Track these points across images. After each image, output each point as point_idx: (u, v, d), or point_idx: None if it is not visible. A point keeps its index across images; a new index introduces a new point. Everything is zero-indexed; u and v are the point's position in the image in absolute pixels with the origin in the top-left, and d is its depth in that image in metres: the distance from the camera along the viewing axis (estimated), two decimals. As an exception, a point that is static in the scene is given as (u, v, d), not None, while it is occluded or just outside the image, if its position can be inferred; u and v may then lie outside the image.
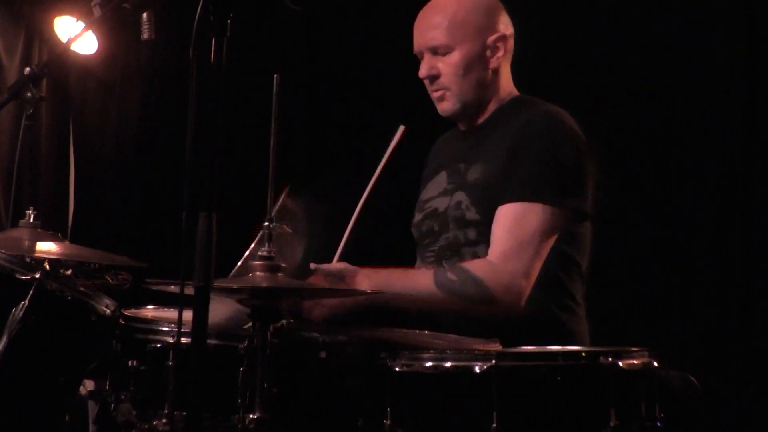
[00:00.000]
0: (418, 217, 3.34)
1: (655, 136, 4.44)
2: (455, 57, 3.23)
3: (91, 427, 3.30)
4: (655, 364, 2.67)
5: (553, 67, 4.48)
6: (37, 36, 5.17)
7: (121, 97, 5.35)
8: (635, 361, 2.63)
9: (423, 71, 3.28)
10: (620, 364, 2.59)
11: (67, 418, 3.04)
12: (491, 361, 2.54)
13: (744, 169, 4.27)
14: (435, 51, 3.26)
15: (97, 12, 3.35)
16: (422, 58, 3.30)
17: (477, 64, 3.25)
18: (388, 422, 2.63)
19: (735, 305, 4.27)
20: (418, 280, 3.06)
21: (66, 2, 4.99)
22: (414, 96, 4.75)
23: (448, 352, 2.69)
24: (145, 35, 3.43)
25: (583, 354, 2.69)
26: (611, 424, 2.55)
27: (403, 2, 4.84)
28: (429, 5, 3.33)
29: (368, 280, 3.00)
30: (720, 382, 4.09)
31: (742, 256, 4.26)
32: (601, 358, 2.60)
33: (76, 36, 3.96)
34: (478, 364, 2.55)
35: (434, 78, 3.27)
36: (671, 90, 4.42)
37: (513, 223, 3.07)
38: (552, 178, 3.10)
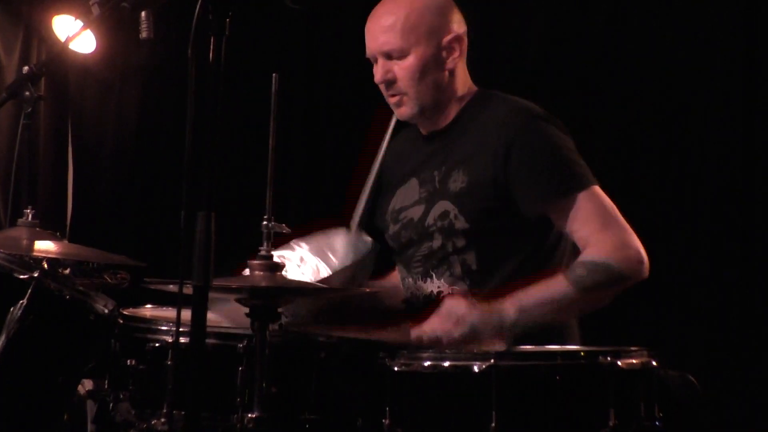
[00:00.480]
0: (393, 228, 3.27)
1: (655, 135, 4.44)
2: (410, 61, 3.14)
3: (89, 427, 3.30)
4: (654, 363, 2.67)
5: (551, 67, 4.48)
6: (36, 35, 5.17)
7: (120, 96, 5.35)
8: (634, 361, 2.63)
9: (378, 76, 3.19)
10: (619, 363, 2.59)
11: (65, 417, 3.05)
12: (490, 360, 2.54)
13: (744, 170, 4.27)
14: (389, 55, 3.17)
15: (95, 11, 3.34)
16: (375, 63, 3.22)
17: (433, 67, 3.16)
18: (387, 422, 2.63)
19: (734, 305, 4.27)
20: (555, 291, 2.96)
21: (64, 1, 4.99)
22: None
23: (446, 351, 2.69)
24: (143, 34, 3.42)
25: (582, 354, 2.69)
26: (610, 423, 2.55)
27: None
28: (379, 7, 3.23)
29: (512, 305, 2.93)
30: (719, 382, 4.09)
31: (742, 255, 4.26)
32: (600, 357, 2.59)
33: (75, 35, 3.95)
34: (477, 363, 2.55)
35: (390, 83, 3.18)
36: (669, 90, 4.42)
37: (592, 209, 3.02)
38: (582, 164, 3.08)
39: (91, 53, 4.93)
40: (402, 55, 3.16)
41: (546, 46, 4.46)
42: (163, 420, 2.77)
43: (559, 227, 3.06)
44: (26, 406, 2.93)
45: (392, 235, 3.28)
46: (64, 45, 4.31)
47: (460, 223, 3.10)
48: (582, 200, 3.02)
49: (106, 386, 2.97)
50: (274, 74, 2.76)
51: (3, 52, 5.08)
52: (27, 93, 3.40)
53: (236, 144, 4.79)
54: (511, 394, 2.54)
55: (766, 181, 4.25)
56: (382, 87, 3.22)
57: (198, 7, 2.31)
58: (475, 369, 2.55)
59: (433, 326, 2.90)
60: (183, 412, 2.49)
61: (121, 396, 2.89)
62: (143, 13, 3.50)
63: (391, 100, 3.21)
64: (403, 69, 3.16)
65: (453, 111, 3.23)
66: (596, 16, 4.54)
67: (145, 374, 2.86)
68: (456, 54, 3.18)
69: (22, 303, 2.89)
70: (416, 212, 3.21)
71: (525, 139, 3.08)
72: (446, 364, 2.61)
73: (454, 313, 2.89)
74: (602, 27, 4.52)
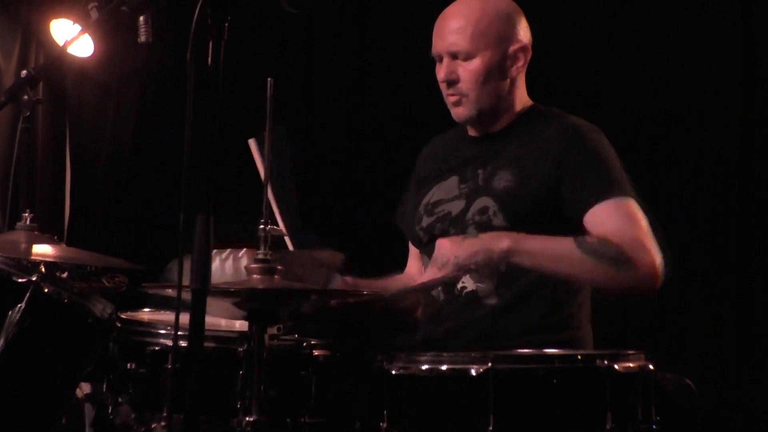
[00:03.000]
0: (427, 220, 3.30)
1: (652, 136, 4.44)
2: (476, 64, 3.20)
3: (87, 430, 3.31)
4: (651, 367, 2.68)
5: (548, 67, 4.48)
6: (34, 39, 5.18)
7: (118, 100, 5.35)
8: (631, 364, 2.64)
9: (442, 75, 3.24)
10: (616, 367, 2.60)
11: (63, 420, 3.04)
12: (487, 363, 2.55)
13: (741, 173, 4.28)
14: (455, 56, 3.22)
15: (94, 15, 3.34)
16: (440, 61, 3.26)
17: (497, 73, 3.22)
18: (385, 425, 2.63)
19: (731, 308, 4.27)
20: (559, 244, 2.98)
21: (62, 5, 5.00)
22: (408, 100, 4.79)
23: (444, 354, 2.70)
24: (142, 38, 3.43)
25: (580, 357, 2.70)
26: (607, 426, 2.55)
27: (397, 6, 4.89)
28: (451, 9, 3.28)
29: (509, 237, 2.97)
30: (715, 385, 4.09)
31: (739, 259, 4.27)
32: (598, 360, 2.60)
33: (73, 39, 3.96)
34: (475, 366, 2.56)
35: (453, 83, 3.23)
36: (667, 90, 4.43)
37: (624, 216, 3.04)
38: (624, 178, 3.12)
39: (89, 57, 4.94)
40: (468, 57, 3.21)
41: (543, 45, 4.46)
42: (162, 423, 2.78)
43: (591, 231, 3.05)
44: (24, 410, 2.93)
45: (425, 227, 3.30)
46: (63, 49, 4.32)
47: (498, 221, 3.13)
48: (615, 206, 3.05)
49: (104, 390, 2.97)
50: (269, 79, 2.76)
51: (1, 55, 5.09)
52: (25, 97, 3.40)
53: (234, 147, 4.79)
54: (509, 398, 2.54)
55: (763, 185, 4.25)
56: (443, 86, 3.26)
57: (197, 11, 2.32)
58: (473, 372, 2.55)
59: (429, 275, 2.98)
60: (182, 416, 2.50)
61: (120, 399, 2.89)
62: (142, 18, 3.51)
63: (450, 99, 3.26)
64: (467, 71, 3.21)
65: (508, 119, 3.29)
66: (593, 16, 4.55)
67: (144, 378, 2.86)
68: (520, 63, 3.25)
69: (20, 306, 2.89)
70: (455, 207, 3.24)
71: (579, 147, 3.13)
72: (444, 367, 2.62)
73: (441, 258, 2.96)
74: (600, 27, 4.53)
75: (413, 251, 3.46)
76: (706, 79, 4.35)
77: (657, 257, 2.99)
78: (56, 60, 4.70)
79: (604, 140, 3.19)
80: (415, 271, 3.43)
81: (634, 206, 3.07)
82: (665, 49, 4.42)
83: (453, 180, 3.29)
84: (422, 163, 3.48)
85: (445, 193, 3.29)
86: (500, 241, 2.97)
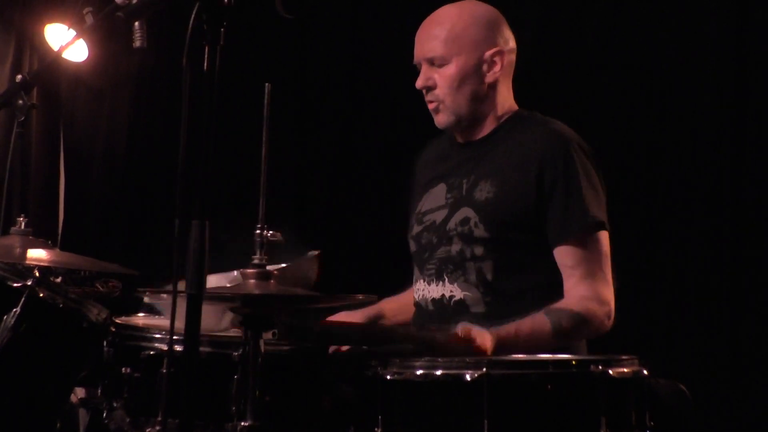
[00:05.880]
0: (417, 229, 3.33)
1: (644, 141, 4.45)
2: (451, 69, 3.22)
3: (81, 435, 3.30)
4: (645, 372, 2.68)
5: (543, 66, 4.49)
6: (28, 43, 5.17)
7: (112, 105, 5.35)
8: (625, 370, 2.65)
9: (419, 82, 3.27)
10: (610, 372, 2.60)
11: (57, 425, 3.04)
12: (482, 369, 2.55)
13: (734, 179, 4.29)
14: (432, 62, 3.24)
15: (89, 20, 3.34)
16: (420, 69, 3.29)
17: (472, 78, 3.23)
18: (379, 430, 2.63)
19: (725, 314, 4.28)
20: (538, 338, 3.03)
21: (57, 10, 5.00)
22: (405, 104, 4.79)
23: (438, 360, 2.70)
24: (137, 43, 3.42)
25: (574, 362, 2.70)
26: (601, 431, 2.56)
27: (393, 12, 4.89)
28: (431, 17, 3.31)
29: (495, 339, 2.96)
30: (709, 391, 4.10)
31: (732, 264, 4.27)
32: (592, 366, 2.61)
33: (68, 44, 3.96)
34: (469, 372, 2.56)
35: (429, 89, 3.25)
36: (660, 93, 4.43)
37: (587, 256, 3.13)
38: (602, 206, 3.18)
39: (84, 62, 4.93)
40: (443, 63, 3.23)
41: (538, 45, 4.47)
42: (157, 428, 2.78)
43: (559, 265, 3.15)
44: (19, 414, 2.93)
45: (414, 236, 3.33)
46: (57, 53, 4.31)
47: (480, 232, 3.15)
48: (581, 243, 3.13)
49: (99, 394, 2.97)
50: (267, 84, 2.77)
51: (-5, 60, 5.09)
52: (20, 101, 3.40)
53: (229, 152, 4.79)
54: (503, 403, 2.55)
55: (755, 190, 4.26)
56: (424, 93, 3.28)
57: (192, 16, 2.32)
58: (468, 378, 2.56)
59: None
60: (177, 420, 2.50)
61: (115, 404, 2.89)
62: (136, 23, 3.51)
63: (430, 107, 3.29)
64: (442, 77, 3.24)
65: (490, 125, 3.30)
66: (590, 15, 4.56)
67: (139, 382, 2.86)
68: (497, 68, 3.25)
69: (15, 311, 2.89)
70: (439, 216, 3.26)
71: (557, 165, 3.15)
72: (438, 372, 2.62)
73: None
74: (596, 26, 4.54)
75: None
76: (699, 77, 4.35)
77: (611, 308, 3.13)
78: (51, 65, 4.69)
79: (582, 155, 3.19)
80: None
81: (599, 244, 3.15)
82: (659, 49, 4.43)
83: (441, 188, 3.31)
84: (419, 169, 3.49)
85: (433, 201, 3.31)
86: (485, 342, 2.93)
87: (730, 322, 4.26)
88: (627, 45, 4.47)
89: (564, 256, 3.14)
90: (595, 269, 3.13)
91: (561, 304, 3.08)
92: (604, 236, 3.17)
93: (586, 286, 3.11)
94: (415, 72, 3.32)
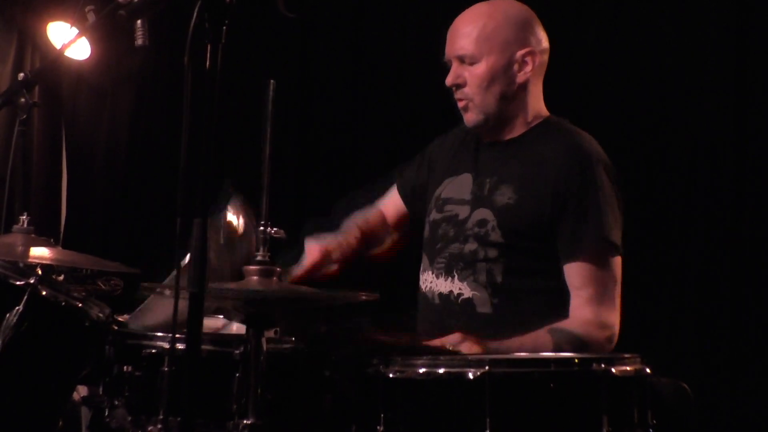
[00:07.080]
0: (435, 215, 3.32)
1: (645, 141, 4.45)
2: (481, 68, 3.21)
3: (83, 433, 3.30)
4: (648, 371, 2.68)
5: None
6: (30, 42, 5.18)
7: (114, 103, 5.36)
8: (628, 368, 2.64)
9: (449, 79, 3.26)
10: (613, 370, 2.60)
11: (60, 423, 3.04)
12: (484, 367, 2.55)
13: (735, 178, 4.28)
14: (462, 60, 3.23)
15: (91, 18, 3.34)
16: (451, 66, 3.27)
17: (502, 77, 3.22)
18: (381, 429, 2.63)
19: (727, 313, 4.27)
20: (538, 347, 3.03)
21: (59, 8, 5.00)
22: (406, 102, 4.79)
23: (441, 358, 2.70)
24: (139, 41, 3.42)
25: (576, 361, 2.69)
26: (604, 430, 2.55)
27: (395, 9, 4.89)
28: (463, 14, 3.30)
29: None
30: (712, 389, 4.10)
31: (734, 264, 4.27)
32: (594, 364, 2.61)
33: (70, 42, 3.96)
34: (471, 370, 2.55)
35: (459, 87, 3.25)
36: (660, 93, 4.43)
37: (596, 277, 3.13)
38: (618, 230, 3.18)
39: (86, 60, 4.94)
40: (473, 61, 3.23)
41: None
42: (159, 426, 2.78)
43: (567, 282, 3.15)
44: (21, 412, 2.93)
45: (432, 221, 3.32)
46: (59, 52, 4.32)
47: (496, 236, 3.16)
48: (592, 262, 3.13)
49: (100, 393, 2.97)
50: (270, 81, 2.76)
51: (-3, 58, 5.10)
52: (22, 100, 3.40)
53: (231, 150, 4.79)
54: (506, 401, 2.54)
55: (756, 189, 4.26)
56: (453, 91, 3.27)
57: (195, 15, 2.32)
58: (470, 376, 2.55)
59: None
60: (178, 419, 2.50)
61: (117, 402, 2.89)
62: (139, 21, 3.51)
63: (459, 105, 3.28)
64: (472, 75, 3.23)
65: (520, 128, 3.29)
66: (590, 16, 4.56)
67: (141, 380, 2.86)
68: (528, 68, 3.24)
69: (17, 309, 2.89)
70: (462, 211, 3.26)
71: (575, 184, 3.14)
72: (441, 370, 2.61)
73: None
74: (596, 27, 4.54)
75: (395, 197, 3.51)
76: (699, 77, 4.35)
77: (614, 328, 3.14)
78: (53, 63, 4.70)
79: (602, 174, 3.18)
80: (392, 212, 3.49)
81: (609, 268, 3.14)
82: (659, 49, 4.43)
83: (466, 179, 3.30)
84: (436, 149, 3.47)
85: (456, 191, 3.30)
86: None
87: (732, 321, 4.26)
88: (627, 45, 4.47)
89: (573, 274, 3.14)
90: (603, 293, 3.13)
91: (564, 324, 3.09)
92: (616, 260, 3.15)
93: (591, 310, 3.11)
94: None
